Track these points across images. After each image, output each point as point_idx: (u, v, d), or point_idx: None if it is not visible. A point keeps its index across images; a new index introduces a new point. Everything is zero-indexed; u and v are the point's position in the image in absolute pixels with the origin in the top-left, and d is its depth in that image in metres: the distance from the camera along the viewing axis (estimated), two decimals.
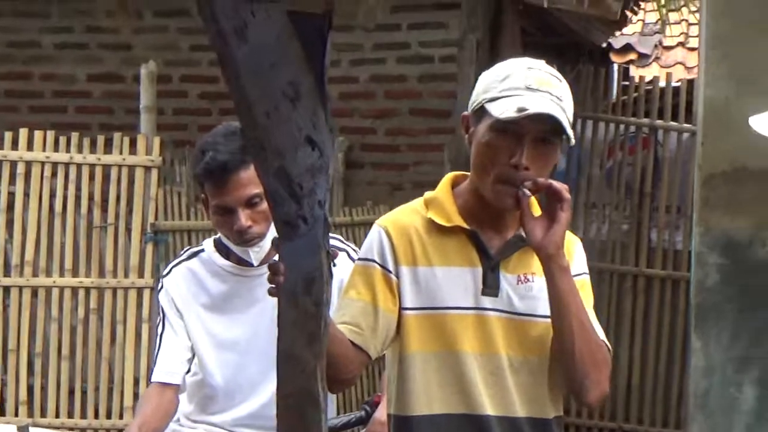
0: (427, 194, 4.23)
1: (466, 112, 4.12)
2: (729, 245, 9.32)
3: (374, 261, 4.12)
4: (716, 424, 9.34)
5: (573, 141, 4.02)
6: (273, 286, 3.95)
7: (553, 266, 4.00)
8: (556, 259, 4.00)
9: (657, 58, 15.99)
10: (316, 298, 3.81)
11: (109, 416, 9.41)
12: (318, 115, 3.69)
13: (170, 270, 5.21)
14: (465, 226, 4.10)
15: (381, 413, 4.90)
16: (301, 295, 3.80)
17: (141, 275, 9.51)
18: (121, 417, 9.28)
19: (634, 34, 16.17)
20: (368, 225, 4.43)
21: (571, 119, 4.05)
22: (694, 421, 9.46)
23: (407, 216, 4.18)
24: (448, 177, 4.24)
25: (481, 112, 4.05)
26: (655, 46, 16.25)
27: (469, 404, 4.10)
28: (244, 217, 4.90)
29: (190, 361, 5.11)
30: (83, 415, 9.44)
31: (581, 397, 4.15)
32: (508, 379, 4.11)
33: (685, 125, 12.10)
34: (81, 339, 9.52)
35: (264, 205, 4.90)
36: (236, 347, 5.08)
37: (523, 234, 4.09)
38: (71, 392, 9.47)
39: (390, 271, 4.10)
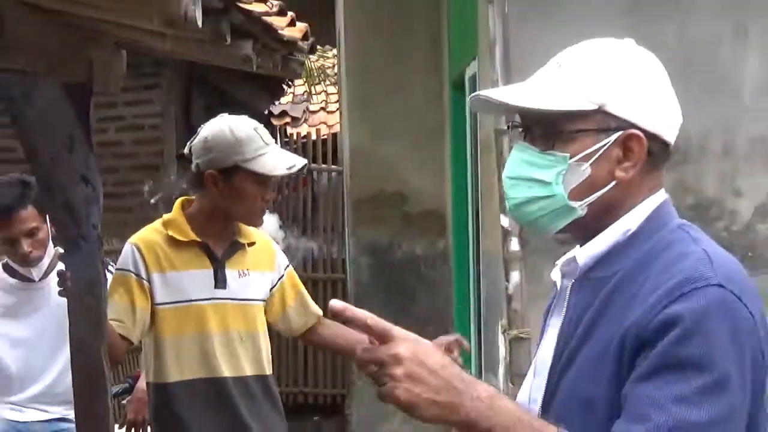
0: (165, 217, 4.24)
1: (211, 171, 4.06)
2: (374, 249, 9.51)
3: (130, 271, 4.09)
4: None
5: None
6: (63, 289, 3.92)
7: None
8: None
9: (305, 120, 16.10)
10: (96, 297, 3.80)
11: None
12: (89, 158, 3.69)
13: None
14: (197, 239, 4.13)
15: (141, 383, 4.87)
16: (85, 296, 3.79)
17: None
18: None
19: (287, 103, 16.27)
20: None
21: None
22: (360, 379, 9.56)
23: (152, 234, 4.18)
24: (179, 202, 4.25)
25: (232, 169, 4.06)
26: (304, 110, 16.38)
27: (211, 370, 4.12)
28: (26, 245, 4.86)
29: None
30: None
31: None
32: (238, 349, 4.15)
33: (333, 166, 12.28)
34: None
35: (41, 235, 4.89)
36: (25, 344, 5.02)
37: (239, 239, 4.18)
38: None
39: (143, 278, 4.08)
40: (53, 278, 4.98)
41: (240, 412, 4.14)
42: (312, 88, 17.01)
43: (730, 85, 6.07)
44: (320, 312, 4.46)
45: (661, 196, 2.11)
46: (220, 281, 4.15)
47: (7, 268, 5.05)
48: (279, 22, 3.63)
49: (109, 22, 3.28)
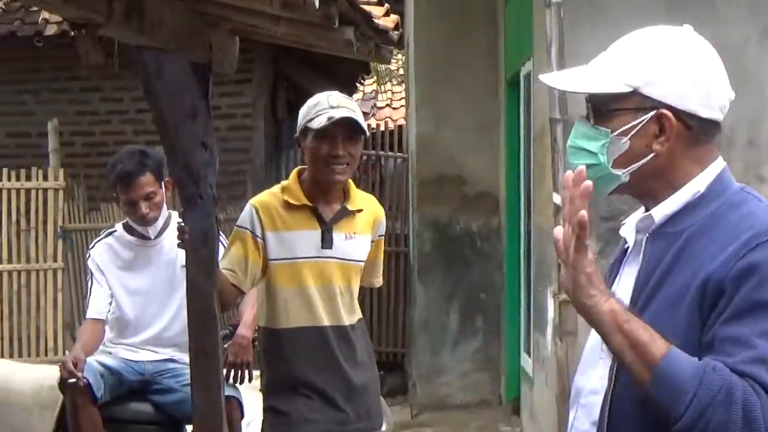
0: (282, 183, 4.19)
1: (296, 135, 4.09)
2: (436, 225, 9.49)
3: (247, 228, 4.06)
4: (434, 340, 9.49)
5: (368, 134, 4.06)
6: (181, 242, 3.90)
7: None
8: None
9: (374, 115, 16.12)
10: (210, 248, 3.79)
11: (37, 354, 9.13)
12: (208, 126, 3.68)
13: (95, 245, 5.15)
14: (308, 203, 4.09)
15: (241, 330, 4.86)
16: (200, 246, 3.78)
17: (55, 260, 9.34)
18: (46, 354, 9.04)
19: (357, 100, 16.30)
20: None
21: (364, 123, 4.09)
22: (419, 339, 9.60)
23: (270, 198, 4.11)
24: (295, 171, 4.19)
25: (305, 130, 4.05)
26: (372, 106, 16.40)
27: (314, 319, 4.08)
28: (144, 207, 4.87)
29: (110, 304, 5.04)
30: (20, 355, 9.14)
31: None
32: (338, 301, 4.11)
33: (398, 153, 12.25)
34: (16, 306, 9.23)
35: (157, 198, 4.90)
36: (140, 292, 5.02)
37: (348, 206, 4.13)
38: (10, 341, 9.20)
39: (258, 236, 4.04)
40: (166, 236, 5.00)
41: (336, 356, 4.10)
42: (380, 87, 17.00)
43: (754, 82, 6.00)
44: (379, 283, 4.46)
45: (720, 164, 2.13)
46: (327, 242, 4.08)
47: (127, 227, 5.06)
48: (376, 12, 3.59)
49: (230, 7, 3.26)
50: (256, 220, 4.02)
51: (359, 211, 4.15)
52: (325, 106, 4.00)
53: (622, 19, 6.23)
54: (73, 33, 2.78)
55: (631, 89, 2.07)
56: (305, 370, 4.05)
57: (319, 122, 3.95)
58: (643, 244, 2.14)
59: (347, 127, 3.98)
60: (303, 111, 4.07)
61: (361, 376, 4.18)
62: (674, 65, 2.07)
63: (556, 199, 5.75)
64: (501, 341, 9.10)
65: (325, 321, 4.08)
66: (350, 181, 4.16)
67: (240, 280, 4.00)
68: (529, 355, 7.63)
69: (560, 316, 5.81)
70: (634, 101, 2.07)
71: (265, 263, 4.02)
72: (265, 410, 4.13)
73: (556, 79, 2.25)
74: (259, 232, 4.02)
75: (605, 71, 2.11)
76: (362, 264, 4.17)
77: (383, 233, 4.34)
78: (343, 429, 4.11)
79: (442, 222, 9.44)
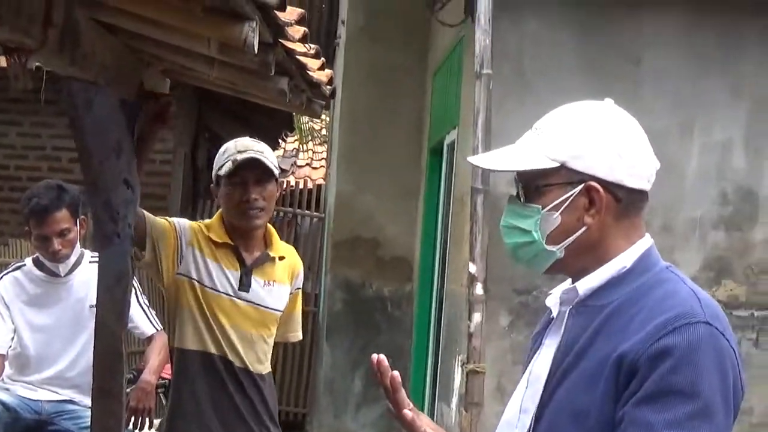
0: (205, 221, 4.21)
1: (211, 185, 4.13)
2: (348, 287, 9.47)
3: (174, 224, 4.04)
4: (338, 402, 9.43)
5: (278, 177, 4.08)
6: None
7: None
8: None
9: (293, 173, 16.11)
10: (123, 288, 3.73)
11: None
12: (132, 164, 3.64)
13: (1, 278, 5.03)
14: (230, 242, 4.06)
15: (145, 376, 4.80)
16: (114, 286, 3.71)
17: None
18: None
19: (278, 156, 16.29)
20: None
21: (276, 165, 4.09)
22: (323, 400, 9.53)
23: (201, 230, 4.09)
24: (219, 212, 4.18)
25: (218, 179, 4.07)
26: (292, 164, 16.40)
27: (225, 352, 4.03)
28: (57, 243, 4.80)
29: (13, 339, 4.92)
30: None
31: None
32: (245, 345, 4.06)
33: (315, 213, 12.26)
34: None
35: (71, 235, 4.83)
36: (44, 329, 4.93)
37: (270, 252, 4.10)
38: None
39: (180, 238, 4.00)
40: (77, 274, 4.92)
41: (236, 402, 4.05)
42: (302, 145, 17.04)
43: (674, 171, 6.13)
44: (296, 338, 4.46)
45: (647, 241, 2.15)
46: (244, 285, 4.05)
47: (37, 263, 4.98)
48: (312, 64, 3.60)
49: (165, 46, 3.24)
50: (189, 231, 3.99)
51: (281, 258, 4.14)
52: (232, 152, 4.03)
53: (549, 97, 6.33)
54: (4, 56, 2.73)
55: (558, 164, 2.08)
56: (201, 402, 3.99)
57: (227, 168, 3.99)
58: (566, 316, 2.14)
59: (257, 171, 4.00)
60: (215, 161, 4.09)
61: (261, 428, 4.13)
62: (598, 137, 2.09)
63: (472, 268, 5.78)
64: None
65: (233, 359, 4.03)
66: (272, 228, 4.15)
67: (149, 231, 3.93)
68: None
69: (467, 386, 5.82)
70: (562, 176, 2.09)
71: (173, 263, 3.96)
72: None
73: (483, 159, 2.28)
74: (184, 239, 3.98)
75: (531, 148, 2.13)
76: (279, 314, 4.14)
77: (300, 287, 4.32)
78: None
79: (354, 284, 9.43)
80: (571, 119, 2.14)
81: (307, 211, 12.45)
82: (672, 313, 1.97)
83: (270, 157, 4.06)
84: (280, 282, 4.13)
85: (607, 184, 2.08)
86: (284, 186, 13.34)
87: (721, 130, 6.48)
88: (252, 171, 3.98)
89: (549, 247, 2.11)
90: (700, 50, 6.50)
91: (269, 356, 4.17)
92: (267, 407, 4.16)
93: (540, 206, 2.10)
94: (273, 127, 13.26)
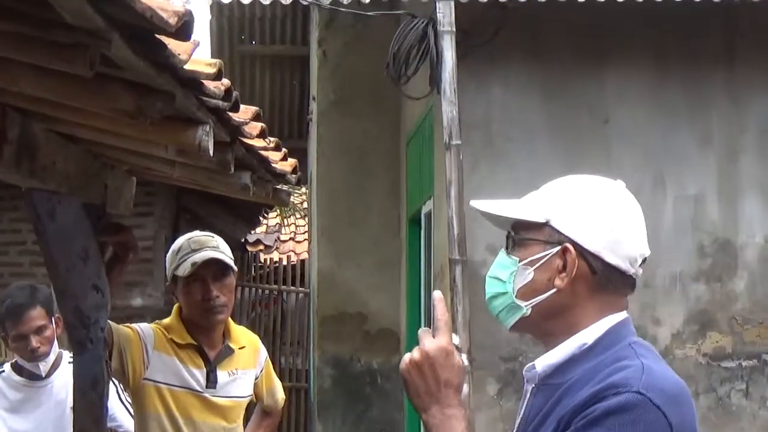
0: (164, 321, 4.17)
1: (167, 283, 4.12)
2: (337, 362, 9.43)
3: (138, 332, 3.99)
4: None
5: (236, 269, 4.08)
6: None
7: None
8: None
9: (276, 248, 16.10)
10: (99, 392, 3.71)
11: None
12: (100, 269, 3.63)
13: None
14: (193, 342, 4.07)
15: None
16: (89, 391, 3.69)
17: None
18: None
19: (261, 232, 16.28)
20: None
21: (231, 257, 4.08)
22: None
23: (162, 333, 4.08)
24: (176, 308, 4.18)
25: (174, 278, 4.06)
26: (276, 239, 16.38)
27: None
28: (34, 341, 4.77)
29: None
30: None
31: None
32: None
33: (300, 288, 12.26)
34: None
35: (47, 333, 4.80)
36: None
37: (230, 344, 4.13)
38: None
39: (145, 345, 3.96)
40: (57, 376, 4.89)
41: None
42: (284, 220, 17.05)
43: (648, 227, 6.15)
44: (282, 400, 4.55)
45: (618, 317, 2.10)
46: (211, 382, 4.07)
47: (16, 368, 4.95)
48: (274, 157, 3.62)
49: (125, 151, 3.26)
50: (151, 337, 3.98)
51: (241, 348, 4.18)
52: (187, 251, 4.02)
53: (520, 162, 6.38)
54: None
55: (544, 220, 2.08)
56: None
57: (184, 269, 3.98)
58: (527, 394, 2.14)
59: (215, 268, 4.01)
60: (168, 258, 4.10)
61: None
62: (589, 205, 2.08)
63: (455, 339, 5.77)
64: None
65: None
66: (229, 319, 4.18)
67: (116, 341, 3.88)
68: None
69: None
70: (545, 233, 2.08)
71: (140, 369, 3.94)
72: None
73: (482, 204, 2.20)
74: (149, 346, 3.96)
75: (527, 202, 2.14)
76: (246, 400, 4.20)
77: (266, 356, 4.40)
78: None
79: (343, 359, 9.40)
80: (571, 184, 2.15)
81: (292, 287, 12.47)
82: (604, 384, 1.94)
83: (225, 250, 4.08)
84: (243, 368, 4.19)
85: (584, 252, 2.05)
86: (268, 263, 13.41)
87: (693, 183, 6.54)
88: (210, 268, 4.00)
89: (518, 301, 2.10)
90: (667, 104, 6.57)
91: None
92: None
93: (518, 259, 2.10)
94: (253, 204, 13.28)
